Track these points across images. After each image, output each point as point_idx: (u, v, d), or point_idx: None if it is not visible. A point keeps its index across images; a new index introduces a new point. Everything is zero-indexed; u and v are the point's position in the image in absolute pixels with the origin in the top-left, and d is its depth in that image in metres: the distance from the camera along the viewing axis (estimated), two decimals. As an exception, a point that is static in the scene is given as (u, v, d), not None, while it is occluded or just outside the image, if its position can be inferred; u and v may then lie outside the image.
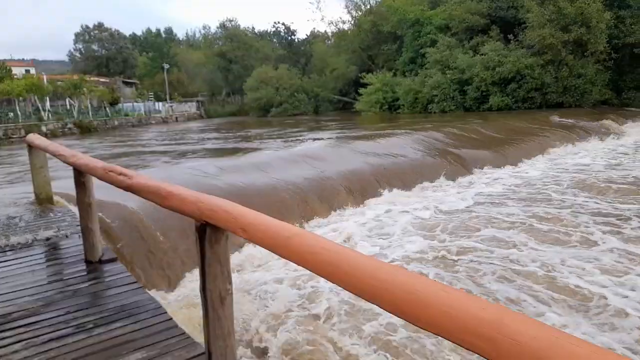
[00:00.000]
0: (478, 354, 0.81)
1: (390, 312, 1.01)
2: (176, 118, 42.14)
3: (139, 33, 74.50)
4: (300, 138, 14.64)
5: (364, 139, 11.95)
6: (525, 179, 9.01)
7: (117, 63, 59.36)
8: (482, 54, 24.18)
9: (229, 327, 1.90)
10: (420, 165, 9.54)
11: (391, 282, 0.99)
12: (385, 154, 9.77)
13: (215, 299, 1.87)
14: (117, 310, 2.54)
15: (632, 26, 21.46)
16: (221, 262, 1.87)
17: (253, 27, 61.61)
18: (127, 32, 67.16)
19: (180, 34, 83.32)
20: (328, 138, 14.16)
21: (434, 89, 26.29)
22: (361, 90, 32.36)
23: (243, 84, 44.58)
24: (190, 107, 48.73)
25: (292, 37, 57.86)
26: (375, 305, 1.05)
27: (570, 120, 16.52)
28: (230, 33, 51.71)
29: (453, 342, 0.86)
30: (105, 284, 2.94)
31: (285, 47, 55.37)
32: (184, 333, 2.30)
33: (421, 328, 0.93)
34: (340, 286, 1.18)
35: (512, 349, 0.73)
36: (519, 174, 9.55)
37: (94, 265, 3.20)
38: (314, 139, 13.87)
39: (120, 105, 37.53)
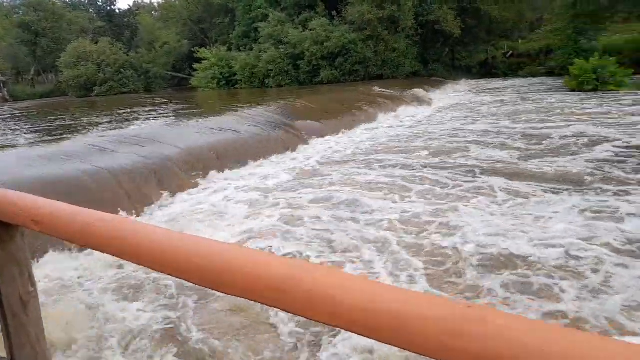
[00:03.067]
0: (276, 307, 0.85)
1: (205, 287, 0.99)
2: (-31, 103, 34.93)
3: None
4: (132, 118, 13.49)
5: (203, 116, 11.59)
6: (355, 143, 9.88)
7: None
8: (311, 30, 25.22)
9: (37, 333, 1.71)
10: (260, 139, 9.67)
11: (209, 257, 0.97)
12: (225, 130, 9.66)
13: (14, 304, 1.65)
14: None
15: (432, 5, 24.66)
16: (19, 262, 1.65)
17: (62, -5, 53.67)
18: None
19: (-37, 0, 67.91)
20: (163, 117, 13.37)
21: (269, 64, 26.67)
22: (196, 66, 31.09)
23: (57, 60, 38.90)
24: (-11, 89, 40.78)
25: (112, 7, 52.24)
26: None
27: (389, 91, 18.46)
28: (33, 1, 44.17)
29: (258, 302, 0.89)
30: None
31: (104, 18, 49.73)
32: (-17, 348, 1.99)
33: (230, 294, 0.94)
34: (157, 270, 1.11)
35: (303, 296, 0.77)
36: (351, 139, 10.43)
37: None
38: (148, 119, 12.93)
39: None
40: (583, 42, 20.55)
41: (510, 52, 28.49)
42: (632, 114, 10.58)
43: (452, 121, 12.29)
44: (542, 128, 9.87)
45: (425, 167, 7.24)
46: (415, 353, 0.62)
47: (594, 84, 15.63)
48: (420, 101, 17.44)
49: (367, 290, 0.70)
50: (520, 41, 29.67)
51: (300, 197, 6.07)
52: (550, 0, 23.90)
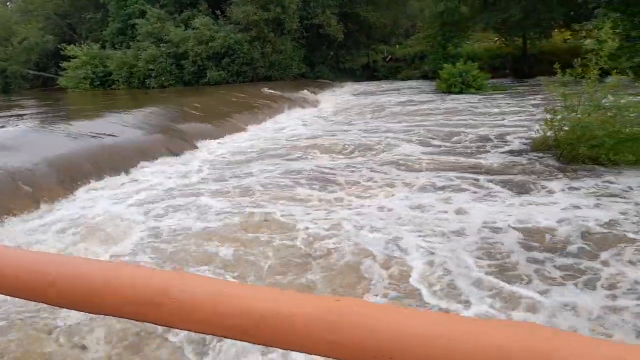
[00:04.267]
0: (150, 322, 0.79)
1: (69, 308, 0.89)
2: None
3: None
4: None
5: (74, 119, 10.51)
6: (243, 146, 9.74)
7: None
8: (194, 28, 24.36)
9: None
10: (141, 143, 9.04)
11: (68, 275, 0.85)
12: (102, 135, 8.86)
13: None
14: None
15: (316, 9, 25.37)
16: None
17: None
18: None
19: None
20: (24, 121, 11.84)
21: (150, 63, 25.20)
22: (65, 64, 28.13)
23: None
24: None
25: (-45, -5, 45.01)
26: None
27: (279, 92, 18.59)
28: None
29: (130, 319, 0.81)
30: None
31: (-56, 7, 42.66)
32: None
33: (97, 314, 0.85)
34: (9, 295, 0.96)
35: (178, 307, 0.73)
36: (237, 142, 10.24)
37: None
38: (4, 124, 11.36)
39: None
40: (450, 49, 22.79)
41: (389, 56, 30.51)
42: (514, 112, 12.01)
43: (340, 123, 12.76)
44: (440, 126, 10.71)
45: (328, 164, 7.40)
46: (291, 351, 0.62)
47: (460, 86, 17.42)
48: (309, 102, 17.84)
49: (241, 295, 0.70)
50: (397, 46, 31.90)
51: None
52: (421, 9, 26.07)
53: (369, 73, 29.82)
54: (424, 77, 25.54)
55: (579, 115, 6.88)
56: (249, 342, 0.66)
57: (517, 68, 23.30)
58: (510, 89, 18.11)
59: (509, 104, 13.85)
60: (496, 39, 25.40)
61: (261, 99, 16.55)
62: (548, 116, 7.43)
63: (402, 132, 10.13)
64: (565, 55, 17.60)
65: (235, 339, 0.67)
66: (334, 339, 0.60)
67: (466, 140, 8.81)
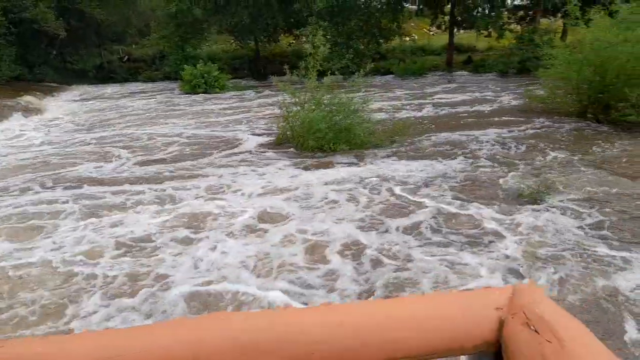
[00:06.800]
0: None
1: None
2: None
3: None
4: None
5: None
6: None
7: None
8: None
9: None
10: None
11: None
12: None
13: None
14: None
15: (24, 1, 21.52)
16: None
17: None
18: None
19: None
20: None
21: None
22: None
23: None
24: None
25: None
26: None
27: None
28: None
29: None
30: None
31: None
32: None
33: None
34: None
35: None
36: None
37: None
38: None
39: None
40: (189, 50, 22.80)
41: (126, 56, 28.47)
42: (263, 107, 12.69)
43: (68, 132, 11.32)
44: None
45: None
46: None
47: (203, 87, 17.75)
48: (29, 110, 15.12)
49: None
50: (133, 46, 30.03)
51: None
52: (153, 9, 25.16)
53: (104, 74, 27.10)
54: (167, 78, 24.81)
55: (306, 111, 7.96)
56: None
57: (254, 69, 25.05)
58: (251, 87, 19.43)
59: (251, 101, 14.87)
60: (232, 41, 26.65)
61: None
62: (284, 113, 8.34)
63: (143, 136, 9.73)
64: (291, 57, 19.96)
65: None
66: None
67: (216, 138, 9.10)
